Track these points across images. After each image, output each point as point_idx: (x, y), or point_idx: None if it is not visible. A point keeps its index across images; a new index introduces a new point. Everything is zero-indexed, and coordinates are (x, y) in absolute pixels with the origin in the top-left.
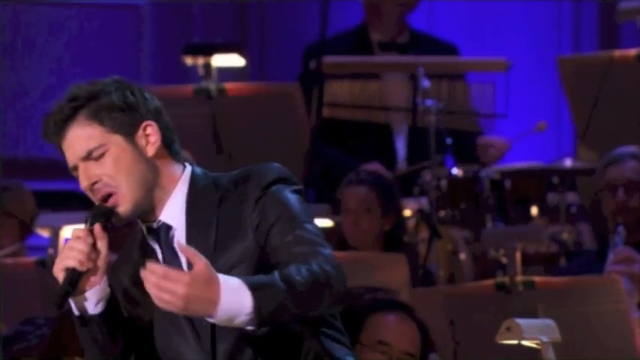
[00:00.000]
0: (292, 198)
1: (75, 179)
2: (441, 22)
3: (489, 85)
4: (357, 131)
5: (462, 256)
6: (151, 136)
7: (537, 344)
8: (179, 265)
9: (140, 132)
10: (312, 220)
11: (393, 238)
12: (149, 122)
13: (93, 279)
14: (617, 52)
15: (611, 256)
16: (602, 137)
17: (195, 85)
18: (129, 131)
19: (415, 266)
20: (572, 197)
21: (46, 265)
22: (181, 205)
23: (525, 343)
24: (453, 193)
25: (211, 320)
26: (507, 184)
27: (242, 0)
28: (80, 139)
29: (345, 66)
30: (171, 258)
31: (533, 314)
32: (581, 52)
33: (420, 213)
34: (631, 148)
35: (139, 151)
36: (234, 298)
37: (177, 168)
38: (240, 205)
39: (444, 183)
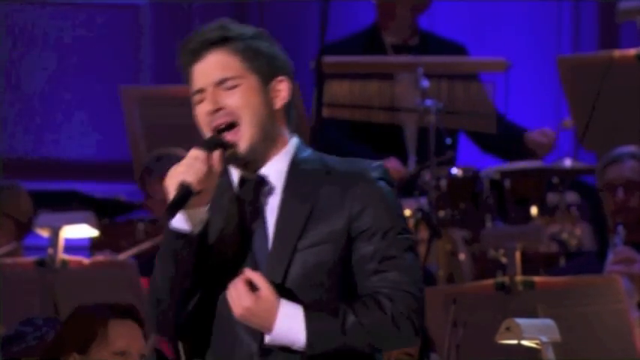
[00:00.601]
0: (396, 205)
1: (74, 179)
2: (441, 22)
3: (489, 85)
4: (368, 131)
5: (462, 256)
6: (281, 91)
7: (537, 344)
8: (261, 224)
9: (274, 83)
10: (407, 229)
11: None
12: (284, 78)
13: (199, 201)
14: (617, 52)
15: (610, 256)
16: (602, 137)
17: None
18: (265, 78)
19: None
20: (571, 197)
21: (45, 265)
22: (284, 167)
23: (525, 342)
24: (452, 193)
25: None
26: (507, 183)
27: (242, 0)
28: (219, 64)
29: (344, 66)
30: (254, 215)
31: (532, 314)
32: (581, 52)
33: (419, 213)
34: (630, 148)
35: (268, 100)
36: (289, 331)
37: (288, 133)
38: (344, 189)
39: (443, 183)
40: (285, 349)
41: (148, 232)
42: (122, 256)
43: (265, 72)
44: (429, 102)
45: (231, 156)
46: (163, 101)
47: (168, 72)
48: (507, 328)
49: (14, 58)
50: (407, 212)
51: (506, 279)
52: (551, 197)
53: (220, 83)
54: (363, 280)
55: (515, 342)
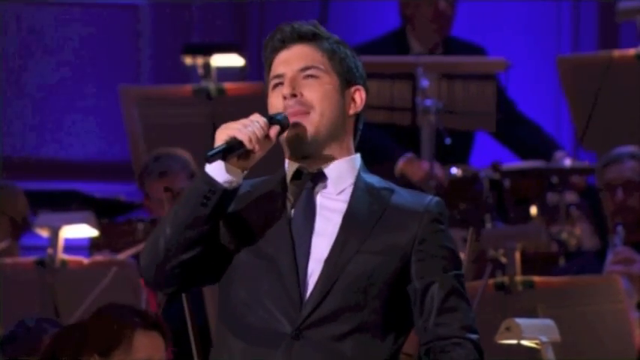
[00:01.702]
0: (455, 244)
1: (74, 179)
2: None
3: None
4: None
5: (462, 255)
6: (357, 100)
7: (537, 344)
8: (309, 217)
9: (352, 90)
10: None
11: None
12: (361, 88)
13: (240, 162)
14: (617, 52)
15: (610, 256)
16: (602, 137)
17: (195, 85)
18: (345, 82)
19: None
20: (571, 197)
21: (45, 265)
22: (348, 172)
23: (525, 342)
24: (452, 193)
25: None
26: (507, 183)
27: (241, 0)
28: (305, 55)
29: None
30: (304, 212)
31: (532, 314)
32: (581, 52)
33: None
34: (630, 148)
35: (343, 102)
36: None
37: (353, 144)
38: (411, 210)
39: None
40: (319, 333)
41: (147, 232)
42: (121, 256)
43: (346, 76)
44: (428, 102)
45: (295, 137)
46: (163, 101)
47: (168, 72)
48: (507, 328)
49: (14, 57)
50: None
51: (505, 279)
52: (551, 197)
53: (302, 70)
54: (429, 309)
55: (515, 342)
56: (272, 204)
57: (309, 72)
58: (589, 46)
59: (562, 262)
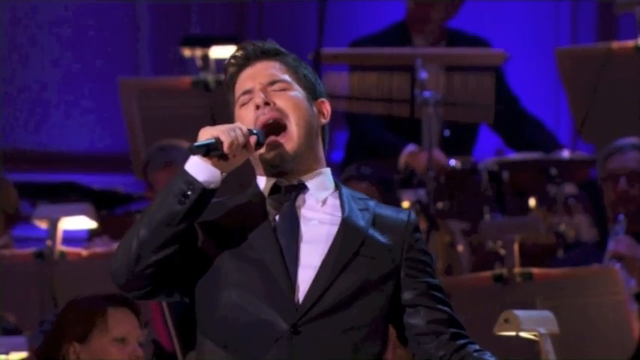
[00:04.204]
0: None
1: (73, 171)
2: None
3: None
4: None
5: (460, 247)
6: (324, 112)
7: (535, 336)
8: (295, 225)
9: (318, 102)
10: None
11: None
12: (326, 101)
13: (219, 164)
14: (616, 44)
15: (611, 244)
16: (601, 128)
17: (194, 77)
18: (311, 95)
19: None
20: (570, 189)
21: (44, 256)
22: (327, 183)
23: (523, 334)
24: (451, 185)
25: None
26: (505, 175)
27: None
28: (271, 69)
29: (342, 57)
30: (288, 220)
31: (531, 306)
32: (579, 44)
33: (417, 204)
34: (632, 139)
35: (313, 113)
36: None
37: (324, 154)
38: (394, 220)
39: (441, 175)
40: (317, 329)
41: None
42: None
43: (310, 91)
44: (427, 94)
45: (277, 157)
46: (162, 93)
47: (166, 64)
48: (506, 320)
49: (13, 50)
50: (405, 204)
51: (504, 270)
52: (549, 189)
53: (270, 84)
54: (431, 303)
55: (513, 333)
56: (252, 214)
57: (277, 85)
58: (588, 38)
59: (560, 253)
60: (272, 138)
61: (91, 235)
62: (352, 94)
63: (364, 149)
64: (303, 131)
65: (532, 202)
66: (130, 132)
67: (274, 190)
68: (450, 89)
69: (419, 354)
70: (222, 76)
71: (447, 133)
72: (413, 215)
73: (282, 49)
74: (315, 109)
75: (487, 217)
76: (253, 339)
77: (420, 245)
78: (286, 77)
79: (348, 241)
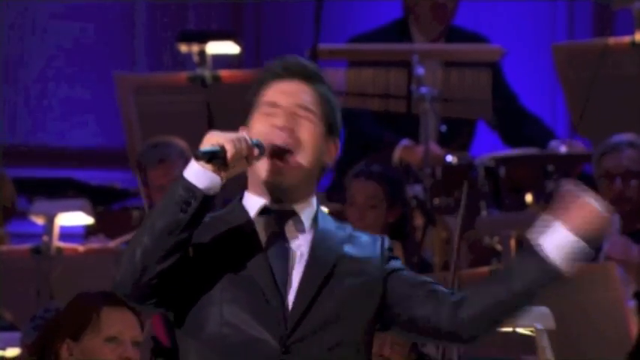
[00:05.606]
0: None
1: (70, 167)
2: None
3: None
4: (383, 119)
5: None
6: (332, 152)
7: (532, 331)
8: (283, 246)
9: (330, 142)
10: None
11: (397, 230)
12: (338, 142)
13: (223, 174)
14: (612, 40)
15: (606, 245)
16: (597, 124)
17: (190, 73)
18: (328, 131)
19: (413, 253)
20: (567, 184)
21: (41, 252)
22: (313, 212)
23: (520, 330)
24: (447, 181)
25: None
26: (502, 171)
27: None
28: (307, 93)
29: (339, 53)
30: (279, 243)
31: None
32: (576, 40)
33: (414, 200)
34: (628, 136)
35: (323, 150)
36: None
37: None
38: (367, 242)
39: (438, 170)
40: (306, 347)
41: (142, 220)
42: (116, 242)
43: (330, 126)
44: (423, 89)
45: (277, 182)
46: (158, 89)
47: (163, 59)
48: None
49: (11, 46)
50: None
51: (501, 266)
52: (546, 184)
53: (300, 107)
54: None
55: (510, 329)
56: (240, 232)
57: (304, 113)
58: (584, 34)
59: None
60: (278, 164)
61: (88, 231)
62: (349, 90)
63: (360, 145)
64: (309, 167)
65: (529, 198)
66: (126, 128)
67: (263, 210)
68: (447, 85)
69: (449, 328)
70: (218, 72)
71: (443, 128)
72: (387, 238)
73: (322, 75)
74: (325, 147)
75: (484, 212)
76: (245, 358)
77: (398, 260)
78: (315, 108)
79: (324, 259)
